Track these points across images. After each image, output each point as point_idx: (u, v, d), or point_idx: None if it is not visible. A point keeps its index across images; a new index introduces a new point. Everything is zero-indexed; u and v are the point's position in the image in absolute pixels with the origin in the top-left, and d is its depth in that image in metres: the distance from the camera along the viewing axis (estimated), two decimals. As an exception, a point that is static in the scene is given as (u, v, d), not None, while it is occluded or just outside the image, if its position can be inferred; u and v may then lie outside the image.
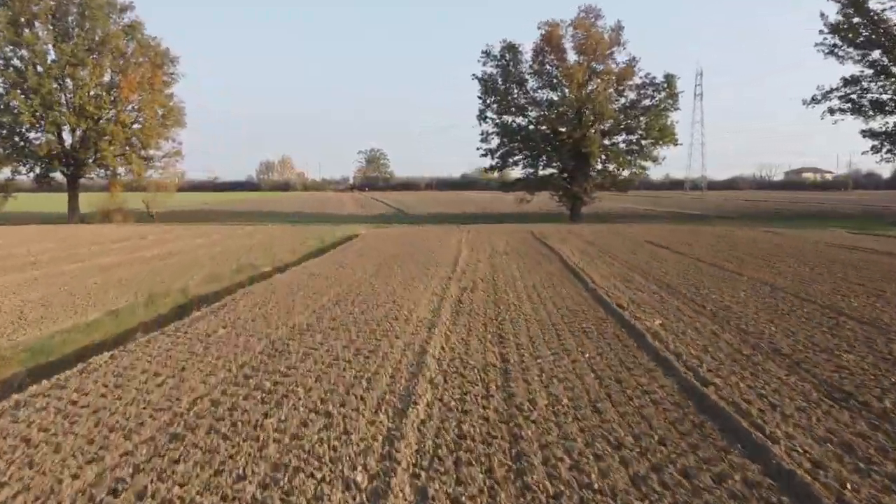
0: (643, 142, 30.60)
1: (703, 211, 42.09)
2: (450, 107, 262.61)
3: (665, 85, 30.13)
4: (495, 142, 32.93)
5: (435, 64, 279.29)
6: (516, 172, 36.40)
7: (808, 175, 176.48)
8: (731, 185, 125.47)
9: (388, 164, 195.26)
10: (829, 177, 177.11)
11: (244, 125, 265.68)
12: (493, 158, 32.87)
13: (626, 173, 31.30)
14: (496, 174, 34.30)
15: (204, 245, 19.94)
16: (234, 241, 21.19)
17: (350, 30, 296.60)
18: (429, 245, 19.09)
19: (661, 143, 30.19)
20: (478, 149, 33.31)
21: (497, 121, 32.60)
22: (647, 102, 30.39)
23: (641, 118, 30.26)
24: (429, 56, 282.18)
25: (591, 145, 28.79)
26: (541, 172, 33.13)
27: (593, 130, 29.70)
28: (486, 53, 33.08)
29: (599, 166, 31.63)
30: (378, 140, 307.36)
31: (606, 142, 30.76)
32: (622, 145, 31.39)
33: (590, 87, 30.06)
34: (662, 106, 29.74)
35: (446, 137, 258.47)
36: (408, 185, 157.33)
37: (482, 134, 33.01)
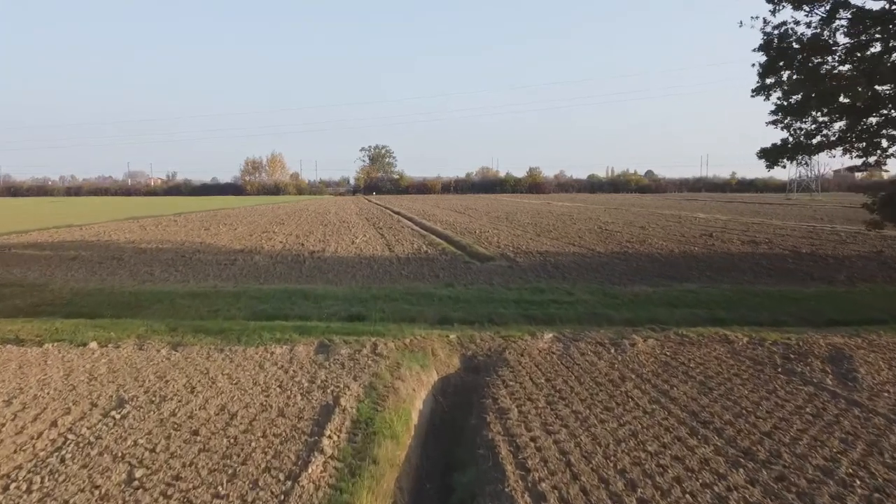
0: None
1: None
2: (450, 102, 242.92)
3: None
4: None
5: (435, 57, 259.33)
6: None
7: (859, 174, 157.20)
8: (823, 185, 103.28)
9: (393, 163, 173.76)
10: (884, 175, 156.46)
11: (232, 118, 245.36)
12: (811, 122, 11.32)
13: None
14: (786, 164, 12.85)
15: None
16: None
17: (352, 16, 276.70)
18: None
19: None
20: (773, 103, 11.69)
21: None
22: None
23: None
24: (428, 48, 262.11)
25: None
26: None
27: None
28: None
29: None
30: (382, 136, 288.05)
31: None
32: None
33: None
34: None
35: (447, 134, 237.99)
36: (419, 188, 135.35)
37: (765, 67, 11.36)
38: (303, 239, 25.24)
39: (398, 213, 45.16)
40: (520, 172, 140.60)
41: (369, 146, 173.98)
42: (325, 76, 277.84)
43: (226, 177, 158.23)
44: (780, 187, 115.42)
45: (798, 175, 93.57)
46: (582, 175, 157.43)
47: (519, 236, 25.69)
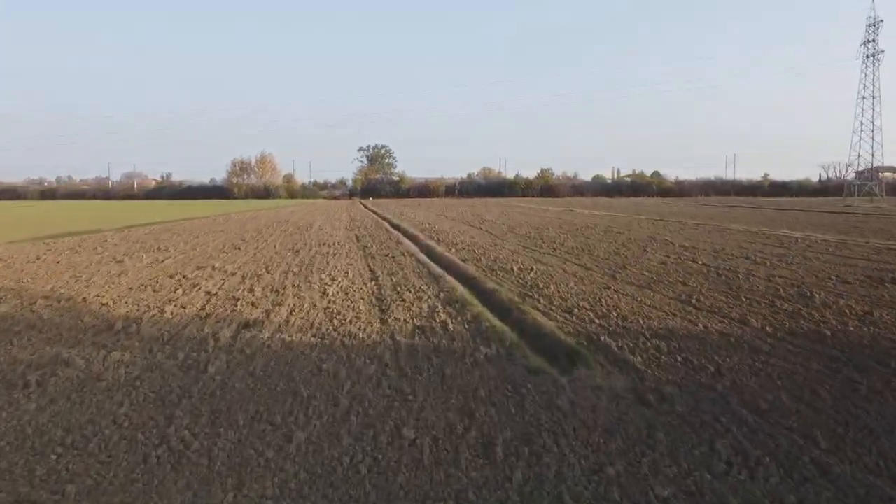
0: None
1: None
2: (451, 99, 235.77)
3: None
4: None
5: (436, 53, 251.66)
6: None
7: (888, 175, 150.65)
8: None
9: (393, 164, 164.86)
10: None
11: (230, 117, 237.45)
12: None
13: None
14: None
15: None
16: None
17: (351, 16, 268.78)
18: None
19: None
20: None
21: None
22: None
23: None
24: (428, 47, 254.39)
25: None
26: None
27: None
28: None
29: None
30: (382, 136, 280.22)
31: None
32: None
33: None
34: None
35: (447, 133, 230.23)
36: (421, 190, 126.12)
37: None
38: (247, 285, 16.10)
39: (398, 228, 36.08)
40: (523, 172, 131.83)
41: (368, 146, 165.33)
42: (324, 75, 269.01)
43: (221, 178, 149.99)
44: (817, 190, 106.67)
45: (846, 175, 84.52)
46: (586, 176, 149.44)
47: (583, 279, 16.57)
